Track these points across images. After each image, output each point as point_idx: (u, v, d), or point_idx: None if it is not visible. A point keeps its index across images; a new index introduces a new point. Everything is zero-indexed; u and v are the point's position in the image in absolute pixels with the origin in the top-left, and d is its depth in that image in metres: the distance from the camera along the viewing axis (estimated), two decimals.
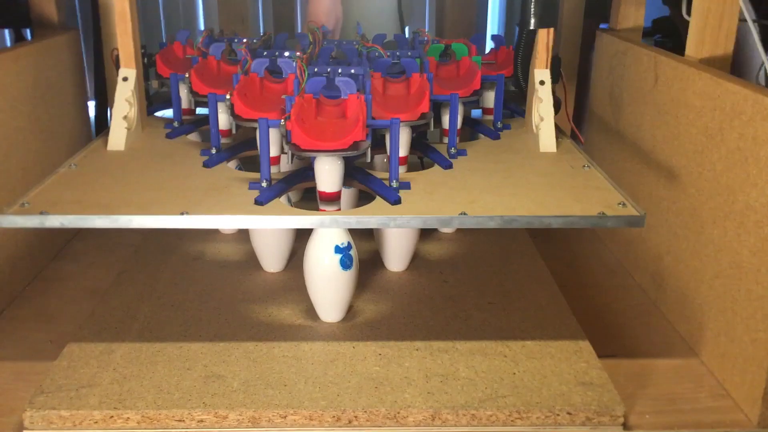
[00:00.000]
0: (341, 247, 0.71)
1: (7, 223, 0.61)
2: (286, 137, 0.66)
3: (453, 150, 0.79)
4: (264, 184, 0.68)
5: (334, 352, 0.69)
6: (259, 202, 0.65)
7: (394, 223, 0.63)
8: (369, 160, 0.70)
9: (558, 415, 0.61)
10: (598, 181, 0.71)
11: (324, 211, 0.66)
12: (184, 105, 0.90)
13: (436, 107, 0.84)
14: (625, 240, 0.93)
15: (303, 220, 0.63)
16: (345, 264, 0.71)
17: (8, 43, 1.78)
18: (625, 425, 0.62)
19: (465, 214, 0.63)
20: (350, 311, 0.76)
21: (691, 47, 0.81)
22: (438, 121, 0.85)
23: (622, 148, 0.94)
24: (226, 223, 0.63)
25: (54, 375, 0.65)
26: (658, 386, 0.69)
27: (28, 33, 1.09)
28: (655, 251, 0.84)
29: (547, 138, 0.80)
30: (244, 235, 0.94)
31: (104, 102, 1.27)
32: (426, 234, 0.94)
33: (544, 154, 0.79)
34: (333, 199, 0.68)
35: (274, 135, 0.73)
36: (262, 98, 0.77)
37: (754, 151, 0.64)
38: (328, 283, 0.72)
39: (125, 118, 0.79)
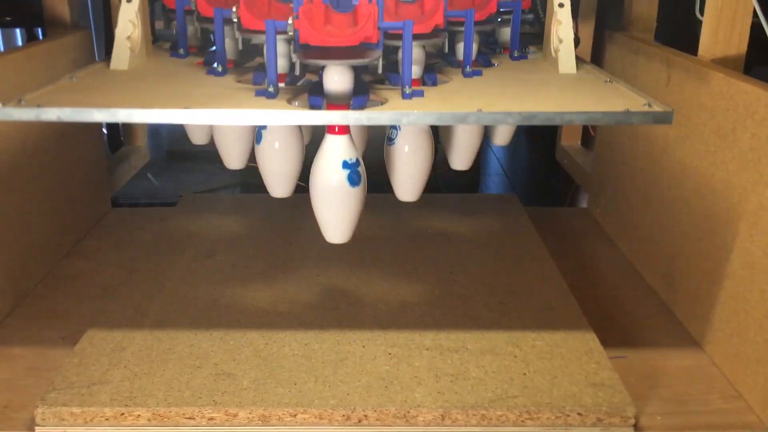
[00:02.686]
0: (349, 162, 0.67)
1: (4, 116, 0.58)
2: (294, 43, 0.63)
3: (468, 68, 0.74)
4: (271, 90, 0.64)
5: (344, 351, 0.69)
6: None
7: (406, 119, 0.60)
8: (380, 71, 0.66)
9: (568, 415, 0.61)
10: (622, 90, 0.66)
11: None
12: (191, 42, 0.86)
13: (451, 37, 0.80)
14: (637, 240, 0.93)
15: (311, 116, 0.60)
16: (353, 180, 0.67)
17: (20, 42, 1.79)
18: (635, 426, 0.62)
19: (481, 111, 0.59)
20: (360, 310, 0.76)
21: (704, 47, 0.80)
22: (452, 51, 0.82)
23: (634, 148, 0.93)
24: (231, 118, 0.60)
25: (65, 372, 0.65)
26: (669, 387, 0.69)
27: (39, 32, 1.10)
28: (667, 252, 0.84)
29: (566, 60, 0.74)
30: (253, 233, 0.95)
31: None
32: (435, 233, 0.94)
33: (564, 75, 0.74)
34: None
35: (282, 49, 0.70)
36: (270, 15, 0.73)
37: (767, 151, 0.63)
38: (335, 200, 0.68)
39: (128, 38, 0.76)
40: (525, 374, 0.66)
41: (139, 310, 0.76)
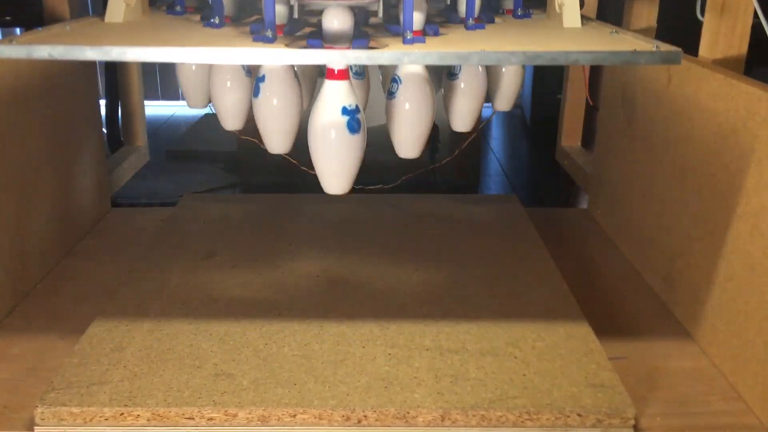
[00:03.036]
0: (349, 108, 0.65)
1: None
2: None
3: (471, 21, 0.73)
4: (269, 34, 0.62)
5: (343, 352, 0.69)
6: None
7: (407, 59, 0.59)
8: (380, 14, 0.65)
9: (568, 416, 0.61)
10: (629, 39, 0.65)
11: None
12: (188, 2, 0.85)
13: None
14: (637, 242, 0.93)
15: (310, 55, 0.58)
16: (352, 127, 0.65)
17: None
18: (635, 427, 0.62)
19: (484, 50, 0.57)
20: (360, 311, 0.76)
21: (705, 48, 0.80)
22: (454, 8, 0.81)
23: (635, 149, 0.93)
24: (228, 57, 0.58)
25: (65, 372, 0.65)
26: (670, 389, 0.68)
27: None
28: (667, 253, 0.83)
29: (571, 13, 0.72)
30: (253, 233, 0.94)
31: (115, 100, 1.28)
32: (435, 233, 0.94)
33: (569, 29, 0.72)
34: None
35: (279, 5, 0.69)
36: None
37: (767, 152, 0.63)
38: (333, 148, 0.66)
39: None
40: (525, 375, 0.65)
41: (139, 310, 0.76)
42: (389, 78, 0.73)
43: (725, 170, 0.70)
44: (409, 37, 0.62)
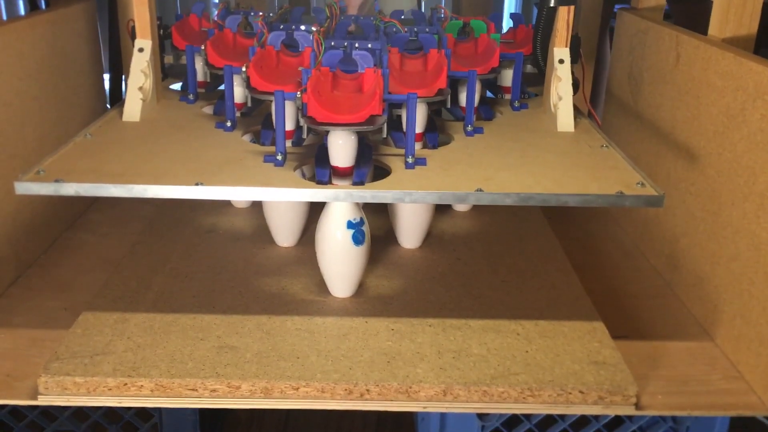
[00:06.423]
0: (354, 222, 0.71)
1: (23, 189, 0.61)
2: (301, 110, 0.65)
3: (470, 128, 0.78)
4: (279, 157, 0.67)
5: (346, 326, 0.69)
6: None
7: (409, 198, 0.63)
8: (384, 135, 0.69)
9: (570, 393, 0.61)
10: (617, 160, 0.70)
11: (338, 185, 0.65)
12: (199, 77, 0.90)
13: (453, 85, 0.83)
14: (641, 221, 0.93)
15: (317, 193, 0.63)
16: (357, 239, 0.71)
17: (22, 13, 1.78)
18: (637, 405, 0.62)
19: (481, 190, 0.62)
20: (363, 286, 0.76)
21: (715, 26, 0.79)
22: (455, 99, 0.84)
23: (641, 128, 0.93)
24: (240, 194, 0.63)
25: (69, 342, 0.65)
26: (672, 368, 0.69)
27: (42, 3, 1.09)
28: (671, 233, 0.83)
29: (565, 117, 0.79)
30: (256, 208, 0.94)
31: (119, 74, 1.27)
32: (440, 212, 0.94)
33: (562, 134, 0.78)
34: (346, 173, 0.67)
35: (290, 109, 0.73)
36: (278, 71, 0.76)
37: None
38: (339, 259, 0.72)
39: (140, 89, 0.79)
40: (527, 352, 0.66)
41: (142, 282, 0.76)
42: None
43: (732, 150, 0.70)
44: (410, 162, 0.68)
